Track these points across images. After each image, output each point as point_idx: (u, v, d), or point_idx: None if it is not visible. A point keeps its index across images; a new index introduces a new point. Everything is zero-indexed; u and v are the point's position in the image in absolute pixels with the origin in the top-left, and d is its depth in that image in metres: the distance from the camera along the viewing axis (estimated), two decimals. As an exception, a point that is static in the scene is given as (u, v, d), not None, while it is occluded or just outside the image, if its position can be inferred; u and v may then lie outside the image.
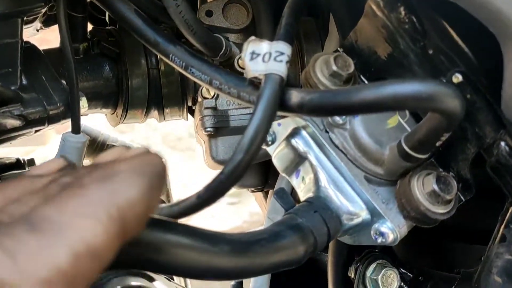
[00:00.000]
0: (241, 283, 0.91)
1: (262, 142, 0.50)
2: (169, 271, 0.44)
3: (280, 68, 0.51)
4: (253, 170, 0.83)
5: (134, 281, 0.58)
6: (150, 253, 0.42)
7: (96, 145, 1.10)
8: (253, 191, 0.91)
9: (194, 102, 0.81)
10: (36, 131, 0.68)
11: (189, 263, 0.44)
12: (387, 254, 0.73)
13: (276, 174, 0.90)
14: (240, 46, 0.79)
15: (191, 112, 0.86)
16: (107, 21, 0.82)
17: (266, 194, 1.02)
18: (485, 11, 0.42)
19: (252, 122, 0.49)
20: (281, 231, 0.52)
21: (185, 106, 0.81)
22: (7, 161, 0.69)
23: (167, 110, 0.80)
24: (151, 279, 0.60)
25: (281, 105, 0.50)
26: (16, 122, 0.59)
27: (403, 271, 0.73)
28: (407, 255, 0.80)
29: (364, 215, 0.56)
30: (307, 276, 0.97)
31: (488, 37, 0.46)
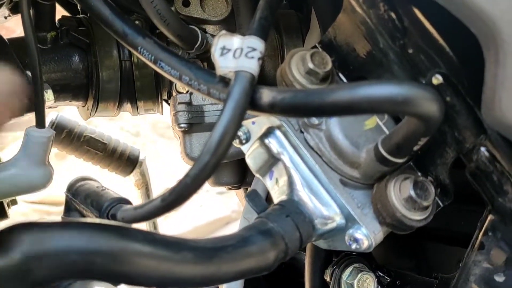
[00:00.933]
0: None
1: (230, 143, 0.47)
2: (128, 281, 0.42)
3: (251, 65, 0.48)
4: (230, 168, 0.81)
5: (98, 286, 0.55)
6: (105, 263, 0.39)
7: (73, 137, 1.06)
8: (230, 189, 0.88)
9: (169, 96, 0.78)
10: (-1, 124, 0.64)
11: (149, 272, 0.42)
12: (364, 257, 0.71)
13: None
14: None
15: (169, 104, 0.83)
16: (78, 8, 0.78)
17: (246, 191, 0.99)
18: (467, 10, 0.39)
19: (220, 122, 0.46)
20: (250, 237, 0.49)
21: (159, 100, 0.78)
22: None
23: (140, 104, 0.77)
24: (116, 284, 0.57)
25: (252, 104, 0.48)
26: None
27: (381, 274, 0.71)
28: (385, 257, 0.78)
29: (339, 219, 0.54)
30: (285, 275, 0.95)
31: (470, 38, 0.43)
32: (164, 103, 0.83)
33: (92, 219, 0.53)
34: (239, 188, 0.87)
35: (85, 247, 0.38)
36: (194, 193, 0.47)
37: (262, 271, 0.50)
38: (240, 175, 0.82)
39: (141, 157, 1.24)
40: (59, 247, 0.37)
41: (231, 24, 0.78)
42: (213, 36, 0.76)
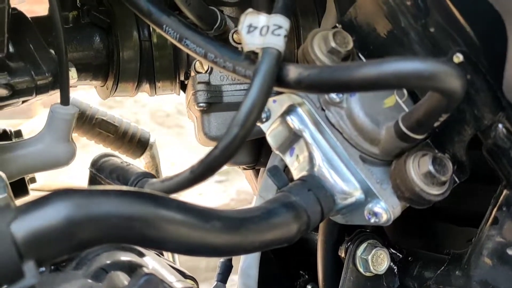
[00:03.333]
0: (230, 261, 0.90)
1: (258, 118, 0.48)
2: (161, 246, 0.44)
3: (278, 42, 0.49)
4: (246, 148, 0.82)
5: (124, 256, 0.57)
6: (142, 228, 0.41)
7: (85, 119, 1.08)
8: (244, 169, 0.90)
9: (187, 76, 0.79)
10: (23, 102, 0.66)
11: (180, 239, 0.43)
12: (377, 235, 0.73)
13: (268, 152, 0.89)
14: (235, 20, 0.77)
15: (183, 87, 0.84)
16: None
17: (256, 172, 1.01)
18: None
19: (248, 97, 0.48)
20: (274, 209, 0.51)
21: (177, 81, 0.79)
22: (-6, 132, 0.68)
23: (158, 84, 0.78)
24: (141, 255, 0.59)
25: (278, 80, 0.49)
26: (3, 91, 0.57)
27: (393, 251, 0.73)
28: (397, 236, 0.80)
29: (358, 194, 0.55)
30: (296, 255, 0.97)
31: (491, 17, 0.45)
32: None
33: (128, 187, 0.55)
34: (253, 168, 0.89)
35: (125, 212, 0.40)
36: (223, 165, 0.49)
37: (285, 242, 0.52)
38: (255, 155, 0.84)
39: (151, 140, 1.26)
40: (101, 212, 0.39)
41: (247, 7, 0.79)
42: (229, 17, 0.77)
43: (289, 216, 0.51)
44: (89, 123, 1.15)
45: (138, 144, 1.17)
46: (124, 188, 0.43)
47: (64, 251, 0.38)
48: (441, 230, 0.85)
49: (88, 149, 1.19)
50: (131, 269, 0.54)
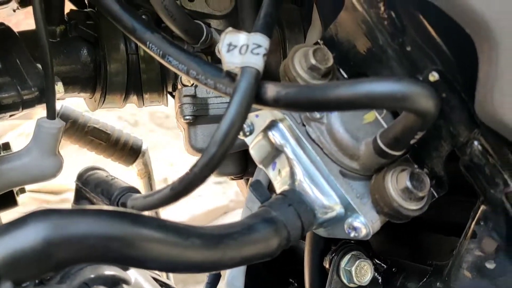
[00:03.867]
0: (218, 272, 0.91)
1: (236, 135, 0.49)
2: (141, 265, 0.44)
3: (257, 61, 0.50)
4: (233, 159, 0.83)
5: (107, 270, 0.58)
6: (121, 248, 0.42)
7: (77, 127, 1.09)
8: (232, 179, 0.91)
9: (174, 88, 0.80)
10: (10, 115, 0.67)
11: (160, 257, 0.44)
12: (362, 245, 0.74)
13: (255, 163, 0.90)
14: (221, 33, 0.78)
15: (173, 96, 0.85)
16: (86, 2, 0.80)
17: (247, 181, 1.02)
18: (461, 12, 0.41)
19: (227, 115, 0.48)
20: (254, 224, 0.52)
21: (164, 92, 0.80)
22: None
23: (146, 96, 0.79)
24: (125, 268, 0.60)
25: (257, 98, 0.50)
26: (-12, 107, 0.58)
27: (377, 262, 0.74)
28: (381, 246, 0.81)
29: (338, 209, 0.56)
30: (286, 263, 0.98)
31: (465, 36, 0.45)
32: (168, 96, 0.85)
33: (107, 206, 0.56)
34: (241, 178, 0.90)
35: (102, 232, 0.41)
36: (203, 183, 0.49)
37: (266, 257, 0.53)
38: (242, 165, 0.85)
39: (143, 147, 1.27)
40: (79, 232, 0.40)
41: (234, 19, 0.80)
42: (216, 30, 0.78)
43: (269, 231, 0.52)
44: (81, 131, 1.16)
45: (131, 151, 1.18)
46: (104, 207, 0.44)
47: (42, 271, 0.39)
48: (426, 239, 0.86)
49: (84, 151, 1.20)
50: (114, 283, 0.55)
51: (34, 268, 0.39)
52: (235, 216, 3.40)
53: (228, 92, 0.53)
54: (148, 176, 1.29)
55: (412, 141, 0.50)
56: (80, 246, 0.40)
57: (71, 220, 0.40)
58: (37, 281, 0.54)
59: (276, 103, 0.49)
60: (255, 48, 0.50)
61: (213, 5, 0.79)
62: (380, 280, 0.74)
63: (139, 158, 1.22)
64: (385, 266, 0.75)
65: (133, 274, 0.60)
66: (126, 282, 0.54)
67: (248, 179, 1.00)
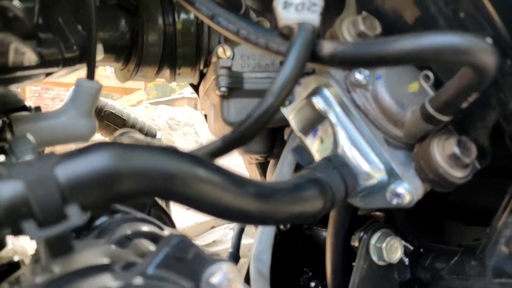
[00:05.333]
0: (238, 250, 0.90)
1: (291, 89, 0.49)
2: (195, 205, 0.44)
3: (314, 18, 0.50)
4: (261, 137, 0.83)
5: (145, 227, 0.57)
6: (180, 185, 0.41)
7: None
8: (257, 159, 0.90)
9: (206, 64, 0.80)
10: (47, 75, 0.66)
11: (215, 200, 0.44)
12: (391, 225, 0.74)
13: (281, 144, 0.90)
14: (256, 12, 0.79)
15: (201, 76, 0.85)
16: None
17: (261, 168, 1.01)
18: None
19: (284, 69, 0.49)
20: (301, 184, 0.52)
21: (197, 68, 0.80)
22: (16, 102, 0.67)
23: (179, 71, 0.79)
24: (160, 228, 0.59)
25: (313, 55, 0.50)
26: (33, 58, 0.58)
27: (405, 243, 0.74)
28: (407, 231, 0.81)
29: (381, 176, 0.56)
30: (301, 252, 0.97)
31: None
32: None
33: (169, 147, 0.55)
34: (266, 159, 0.90)
35: (165, 168, 0.40)
36: (256, 135, 0.49)
37: (310, 217, 0.52)
38: (269, 145, 0.85)
39: (158, 136, 1.26)
40: (142, 164, 0.39)
41: (267, 0, 0.81)
42: (251, 8, 0.79)
43: (315, 191, 0.52)
44: (98, 115, 1.15)
45: (145, 139, 1.17)
46: (169, 146, 0.44)
47: (106, 199, 0.38)
48: (449, 227, 0.86)
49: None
50: (154, 238, 0.54)
51: (98, 195, 0.38)
52: (223, 231, 3.38)
53: (281, 50, 0.53)
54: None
55: (464, 105, 0.51)
56: (143, 178, 0.39)
57: (137, 153, 0.40)
58: (74, 234, 0.53)
59: (332, 60, 0.49)
60: (312, 6, 0.51)
61: (249, -15, 0.80)
62: (407, 262, 0.74)
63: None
64: (412, 247, 0.74)
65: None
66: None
67: (264, 166, 1.00)
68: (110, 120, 1.17)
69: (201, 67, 0.82)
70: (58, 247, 0.36)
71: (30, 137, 0.52)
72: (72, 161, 0.38)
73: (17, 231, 0.35)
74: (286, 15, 0.51)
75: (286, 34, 0.53)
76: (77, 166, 0.37)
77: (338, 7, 0.84)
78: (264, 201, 0.47)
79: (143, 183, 0.40)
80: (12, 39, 0.53)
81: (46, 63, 0.62)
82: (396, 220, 0.76)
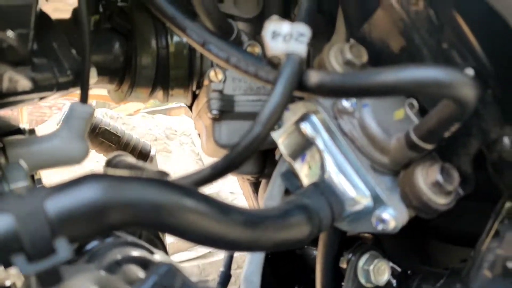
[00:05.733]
0: (229, 270, 0.91)
1: (279, 118, 0.51)
2: (184, 235, 0.45)
3: (301, 49, 0.52)
4: (252, 158, 0.84)
5: (136, 252, 0.58)
6: (168, 216, 0.42)
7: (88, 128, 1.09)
8: (248, 180, 0.91)
9: (199, 86, 0.82)
10: (41, 98, 0.67)
11: (203, 229, 0.45)
12: (378, 247, 0.75)
13: (272, 164, 0.91)
14: (248, 35, 0.80)
15: (193, 97, 0.86)
16: (118, -2, 0.82)
17: (254, 186, 1.02)
18: (505, 3, 0.44)
19: (272, 98, 0.50)
20: (289, 210, 0.53)
21: (190, 90, 0.82)
22: (10, 126, 0.68)
23: (172, 92, 0.80)
24: (151, 252, 0.60)
25: (300, 85, 0.51)
26: (27, 84, 0.59)
27: (392, 265, 0.75)
28: (393, 252, 0.82)
29: (367, 201, 0.57)
30: (292, 270, 0.98)
31: (500, 37, 0.48)
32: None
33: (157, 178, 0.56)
34: (258, 180, 0.91)
35: (153, 199, 0.41)
36: (244, 162, 0.50)
37: (297, 244, 0.53)
38: (260, 166, 0.86)
39: (152, 152, 1.27)
40: (131, 196, 0.40)
41: (259, 23, 0.82)
42: (243, 32, 0.80)
43: (302, 218, 0.53)
44: (92, 132, 1.16)
45: (139, 155, 1.18)
46: (154, 177, 0.45)
47: (94, 231, 0.39)
48: (436, 249, 0.87)
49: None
50: (144, 264, 0.55)
51: (87, 227, 0.39)
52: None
53: (269, 79, 0.54)
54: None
55: (446, 134, 0.52)
56: (131, 210, 0.40)
57: (125, 185, 0.41)
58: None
59: (319, 89, 0.50)
60: (299, 37, 0.52)
61: (241, 8, 0.81)
62: (395, 284, 0.75)
63: (147, 163, 1.22)
64: (399, 269, 0.75)
65: (159, 259, 0.59)
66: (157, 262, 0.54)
67: (256, 186, 1.01)
68: (105, 137, 1.18)
69: (194, 88, 0.83)
70: (47, 279, 0.37)
71: (22, 163, 0.53)
72: (62, 194, 0.39)
73: (7, 264, 0.36)
74: (274, 45, 0.53)
75: (275, 63, 0.55)
76: (66, 200, 0.38)
77: (328, 32, 0.86)
78: (251, 229, 0.48)
79: (131, 215, 0.41)
80: (6, 69, 0.54)
81: (40, 88, 0.63)
82: (383, 242, 0.77)
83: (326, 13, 0.88)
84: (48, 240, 0.37)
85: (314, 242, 0.89)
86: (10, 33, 0.52)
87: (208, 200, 0.46)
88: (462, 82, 0.45)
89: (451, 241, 0.86)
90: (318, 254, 0.82)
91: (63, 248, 0.37)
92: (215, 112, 0.74)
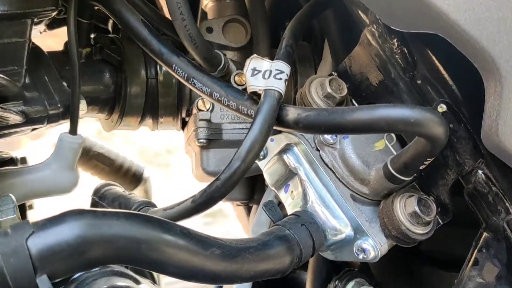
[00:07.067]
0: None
1: (258, 153, 0.52)
2: (163, 269, 0.46)
3: (280, 85, 0.54)
4: (241, 185, 0.86)
5: (120, 282, 0.59)
6: (147, 251, 0.44)
7: (83, 151, 1.11)
8: (238, 205, 0.93)
9: (188, 113, 0.84)
10: (32, 130, 0.69)
11: (182, 264, 0.46)
12: (365, 274, 0.76)
13: (261, 190, 0.93)
14: (236, 63, 0.82)
15: (183, 124, 0.88)
16: (110, 29, 0.84)
17: (248, 210, 1.04)
18: (471, 48, 0.46)
19: (250, 133, 0.52)
20: (269, 241, 0.54)
21: (179, 117, 0.83)
22: (2, 156, 0.70)
23: (161, 120, 0.82)
24: (137, 282, 0.61)
25: (278, 120, 0.53)
26: (18, 119, 0.61)
27: (379, 291, 0.76)
28: (382, 277, 0.83)
29: (348, 231, 0.59)
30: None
31: (471, 72, 0.50)
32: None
33: (136, 212, 0.58)
34: (247, 205, 0.92)
35: (132, 234, 0.43)
36: (223, 197, 0.52)
37: (278, 274, 0.55)
38: (249, 192, 0.87)
39: (145, 175, 1.29)
40: (111, 233, 0.42)
41: (248, 52, 0.85)
42: (232, 60, 0.82)
43: (283, 249, 0.54)
44: (87, 155, 1.18)
45: (133, 178, 1.20)
46: (133, 211, 0.46)
47: (75, 267, 0.41)
48: (426, 273, 0.88)
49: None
50: (128, 294, 0.56)
51: (68, 264, 0.40)
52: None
53: (250, 113, 0.56)
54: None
55: (421, 167, 0.54)
56: (111, 246, 0.42)
57: (104, 221, 0.42)
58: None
59: (296, 125, 0.52)
60: (278, 74, 0.54)
61: (229, 38, 0.83)
62: (381, 310, 0.75)
63: (141, 185, 1.23)
64: (386, 295, 0.76)
65: None
66: (140, 293, 0.55)
67: (250, 208, 1.02)
68: (99, 159, 1.20)
69: (183, 115, 0.85)
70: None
71: (11, 196, 0.54)
72: (43, 232, 0.40)
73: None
74: (254, 82, 0.55)
75: (255, 98, 0.57)
76: (47, 238, 0.40)
77: (315, 58, 0.88)
78: (230, 262, 0.49)
79: (112, 250, 0.42)
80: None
81: (31, 120, 0.65)
82: (372, 267, 0.78)
83: (313, 40, 0.91)
84: (31, 278, 0.39)
85: (305, 266, 0.90)
86: (1, 77, 0.54)
87: (187, 234, 0.47)
88: (432, 120, 0.47)
89: (441, 266, 0.87)
90: (308, 279, 0.83)
91: (45, 286, 0.38)
92: (202, 140, 0.76)
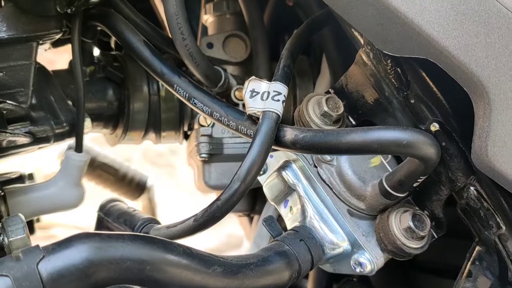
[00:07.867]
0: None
1: (257, 174, 0.54)
2: (166, 288, 0.48)
3: (277, 107, 0.56)
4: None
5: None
6: (151, 271, 0.46)
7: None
8: (240, 216, 0.95)
9: (190, 127, 0.86)
10: (39, 148, 0.72)
11: (186, 282, 0.48)
12: (364, 284, 0.78)
13: (263, 201, 0.95)
14: (237, 78, 0.84)
15: (186, 136, 0.90)
16: (112, 46, 0.86)
17: (250, 219, 1.06)
18: (461, 72, 0.48)
19: (250, 155, 0.54)
20: (269, 257, 0.56)
21: (181, 131, 0.86)
22: (11, 176, 0.73)
23: (163, 134, 0.84)
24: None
25: (276, 140, 0.55)
26: (26, 140, 0.63)
27: (378, 300, 0.78)
28: (381, 286, 0.85)
29: (345, 245, 0.61)
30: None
31: (463, 93, 0.52)
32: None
33: (140, 234, 0.60)
34: (249, 216, 0.94)
35: (138, 256, 0.45)
36: (224, 215, 0.54)
37: (278, 288, 0.56)
38: (251, 203, 0.89)
39: (149, 183, 1.31)
40: (117, 255, 0.44)
41: (248, 66, 0.87)
42: (232, 76, 0.84)
43: (282, 264, 0.56)
44: (91, 165, 1.20)
45: (137, 186, 1.22)
46: (137, 233, 0.48)
47: (83, 289, 0.43)
48: (424, 283, 0.90)
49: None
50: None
51: (76, 286, 0.42)
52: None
53: (249, 133, 0.58)
54: (152, 212, 1.32)
55: (415, 184, 0.56)
56: (117, 267, 0.44)
57: (110, 244, 0.44)
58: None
59: (294, 146, 0.54)
60: (276, 95, 0.56)
61: (229, 53, 0.86)
62: (380, 318, 0.77)
63: (144, 194, 1.26)
64: (385, 304, 0.78)
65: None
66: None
67: (252, 217, 1.04)
68: (103, 169, 1.22)
69: (185, 129, 0.87)
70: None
71: (21, 216, 0.56)
72: (53, 256, 0.42)
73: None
74: (253, 104, 0.57)
75: (254, 118, 0.58)
76: (57, 261, 0.42)
77: (314, 73, 0.90)
78: (232, 278, 0.51)
79: (118, 272, 0.44)
80: (5, 136, 0.58)
81: (38, 140, 0.67)
82: (369, 278, 0.80)
83: (312, 54, 0.92)
84: (41, 301, 0.41)
85: (306, 275, 0.92)
86: (8, 104, 0.56)
87: (189, 254, 0.49)
88: (423, 143, 0.48)
89: (440, 275, 0.89)
90: None
91: (54, 308, 0.40)
92: (204, 155, 0.78)
